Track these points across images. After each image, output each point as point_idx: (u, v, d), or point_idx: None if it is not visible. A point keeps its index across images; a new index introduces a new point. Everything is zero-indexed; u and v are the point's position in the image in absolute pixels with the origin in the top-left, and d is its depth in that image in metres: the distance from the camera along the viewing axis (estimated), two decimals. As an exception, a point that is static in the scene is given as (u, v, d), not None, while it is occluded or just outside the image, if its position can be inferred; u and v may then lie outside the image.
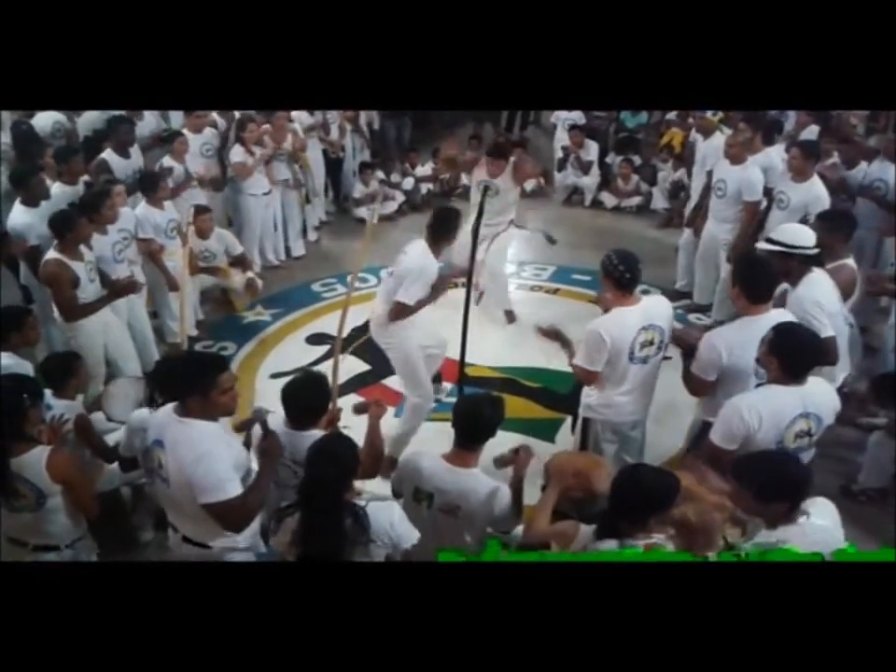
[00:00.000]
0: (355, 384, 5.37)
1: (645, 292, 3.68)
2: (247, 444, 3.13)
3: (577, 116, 9.17)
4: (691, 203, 6.76)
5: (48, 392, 3.41)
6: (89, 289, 4.56)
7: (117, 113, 6.31)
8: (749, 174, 5.64)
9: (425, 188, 8.81)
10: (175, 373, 2.92)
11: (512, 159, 5.78)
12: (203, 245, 5.93)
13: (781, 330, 2.97)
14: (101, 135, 6.21)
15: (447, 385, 5.26)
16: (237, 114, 6.99)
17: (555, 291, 6.84)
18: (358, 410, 3.46)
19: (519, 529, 3.07)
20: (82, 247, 4.56)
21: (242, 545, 2.82)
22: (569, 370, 3.80)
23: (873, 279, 4.90)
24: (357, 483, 2.83)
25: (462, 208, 4.97)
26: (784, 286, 3.68)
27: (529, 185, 6.18)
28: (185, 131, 6.51)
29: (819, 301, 3.56)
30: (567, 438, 4.54)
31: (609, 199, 8.78)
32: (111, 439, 3.66)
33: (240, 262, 6.14)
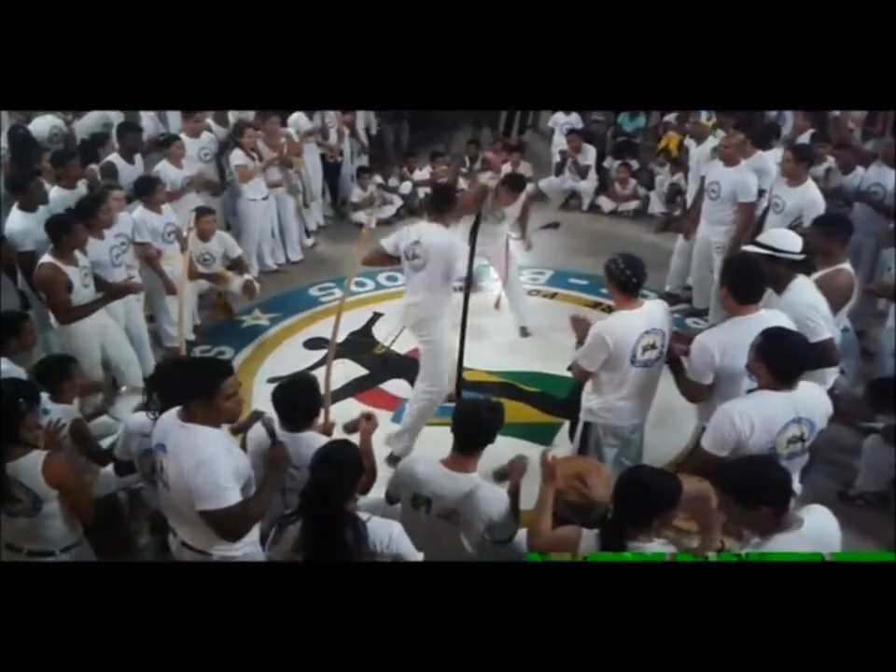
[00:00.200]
0: (352, 388, 5.37)
1: (643, 296, 3.68)
2: (243, 447, 3.12)
3: (574, 120, 9.19)
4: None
5: (44, 396, 3.40)
6: (82, 294, 4.55)
7: (118, 117, 6.35)
8: (743, 175, 5.65)
9: (422, 192, 8.81)
10: (177, 377, 2.91)
11: (525, 195, 5.86)
12: (203, 248, 5.92)
13: (769, 336, 2.95)
14: (98, 139, 6.22)
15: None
16: (232, 119, 7.00)
17: (553, 295, 6.84)
18: (349, 429, 3.44)
19: (520, 538, 3.06)
20: (77, 253, 4.55)
21: (240, 553, 2.80)
22: (567, 374, 3.78)
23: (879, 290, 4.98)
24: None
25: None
26: (769, 292, 3.67)
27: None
28: (182, 135, 6.51)
29: (813, 303, 3.56)
30: (564, 442, 4.54)
31: (606, 203, 8.79)
32: (106, 444, 3.66)
33: (237, 265, 6.14)
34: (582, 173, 8.78)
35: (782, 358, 2.91)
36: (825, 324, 3.54)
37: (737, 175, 5.66)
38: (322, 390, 3.53)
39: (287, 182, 7.15)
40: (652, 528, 2.46)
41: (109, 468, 3.63)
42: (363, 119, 8.89)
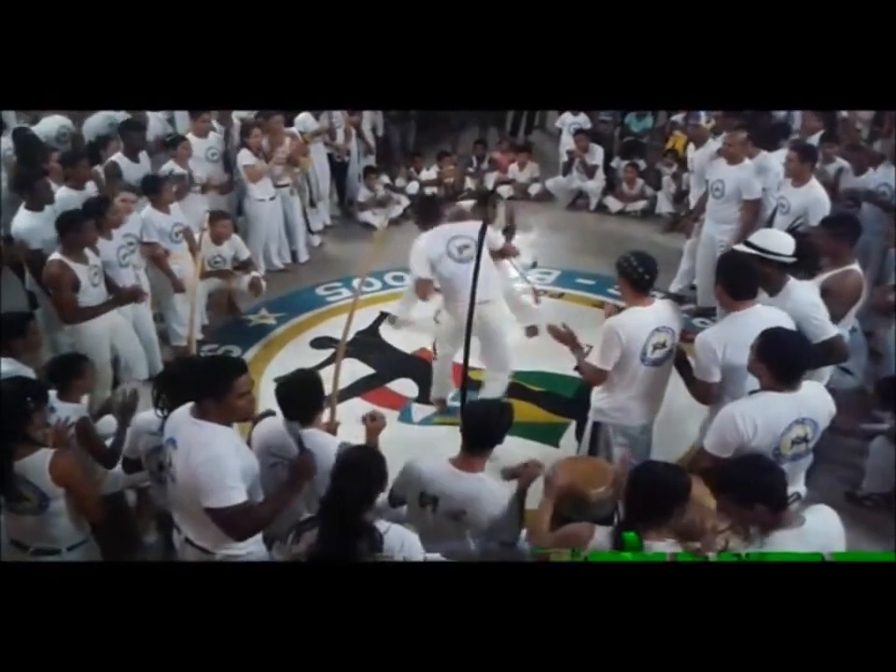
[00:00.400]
0: (359, 387, 5.38)
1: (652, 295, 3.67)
2: (248, 443, 3.12)
3: (582, 120, 9.16)
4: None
5: (52, 394, 3.42)
6: (91, 293, 4.57)
7: (124, 118, 6.36)
8: (747, 172, 5.66)
9: (429, 192, 8.81)
10: (190, 375, 2.91)
11: (504, 206, 6.16)
12: (215, 251, 5.94)
13: (767, 337, 2.94)
14: (104, 140, 6.24)
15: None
16: (236, 120, 7.01)
17: (560, 295, 6.84)
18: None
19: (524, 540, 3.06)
20: (88, 252, 4.57)
21: (244, 552, 2.81)
22: (574, 374, 3.77)
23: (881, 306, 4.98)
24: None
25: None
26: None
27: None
28: (189, 135, 6.53)
29: (815, 301, 3.55)
30: (571, 442, 4.54)
31: (613, 203, 8.77)
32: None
33: (244, 266, 6.15)
34: (590, 172, 8.77)
35: (782, 359, 2.90)
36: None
37: (741, 172, 5.67)
38: (330, 389, 3.53)
39: (293, 181, 7.16)
40: (669, 524, 2.45)
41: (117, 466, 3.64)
42: (370, 119, 8.89)
